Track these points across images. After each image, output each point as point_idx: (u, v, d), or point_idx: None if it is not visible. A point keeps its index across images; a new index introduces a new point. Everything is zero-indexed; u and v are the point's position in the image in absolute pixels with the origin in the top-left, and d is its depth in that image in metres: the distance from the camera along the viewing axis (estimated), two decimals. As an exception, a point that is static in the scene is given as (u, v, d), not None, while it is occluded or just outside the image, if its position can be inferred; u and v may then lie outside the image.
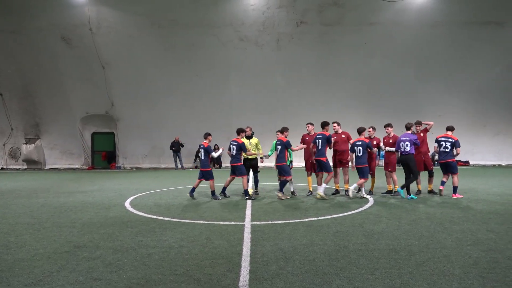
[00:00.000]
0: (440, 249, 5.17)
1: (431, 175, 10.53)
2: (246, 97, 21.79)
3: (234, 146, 9.99)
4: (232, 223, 6.97)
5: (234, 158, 10.03)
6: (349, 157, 10.23)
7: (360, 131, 10.11)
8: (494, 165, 22.16)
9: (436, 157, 21.40)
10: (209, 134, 10.43)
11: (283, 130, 10.16)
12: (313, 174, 10.58)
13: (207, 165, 10.17)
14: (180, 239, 5.83)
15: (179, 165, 22.17)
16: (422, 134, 10.46)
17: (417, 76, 21.59)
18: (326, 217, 7.40)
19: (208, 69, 21.30)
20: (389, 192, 10.37)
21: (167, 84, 21.63)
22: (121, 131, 22.67)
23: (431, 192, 10.43)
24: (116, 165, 22.75)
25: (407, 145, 9.66)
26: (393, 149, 10.22)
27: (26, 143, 22.60)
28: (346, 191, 10.31)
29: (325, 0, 19.81)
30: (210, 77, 21.46)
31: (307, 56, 21.14)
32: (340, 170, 10.70)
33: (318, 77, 21.51)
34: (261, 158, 10.68)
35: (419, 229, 6.33)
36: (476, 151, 22.53)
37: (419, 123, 10.66)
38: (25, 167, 22.85)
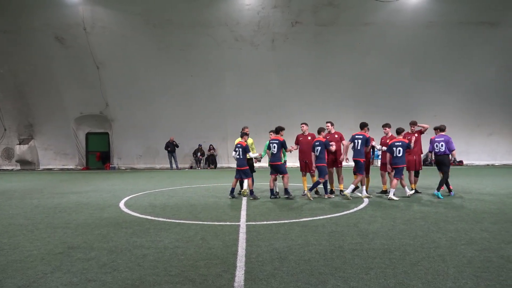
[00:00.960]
0: (435, 249, 5.20)
1: (416, 175, 10.64)
2: (241, 97, 21.79)
3: (275, 145, 9.90)
4: (228, 223, 6.96)
5: (275, 157, 9.93)
6: (388, 156, 10.13)
7: (400, 131, 10.01)
8: (488, 165, 22.33)
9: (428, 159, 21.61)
10: (245, 134, 10.36)
11: (320, 131, 10.08)
12: (308, 174, 10.58)
13: (244, 164, 10.06)
14: (175, 239, 5.82)
15: (174, 166, 22.11)
16: (416, 135, 10.56)
17: (412, 76, 21.70)
18: (321, 217, 7.42)
19: (203, 69, 21.26)
20: (384, 192, 10.41)
21: (162, 84, 21.57)
22: (116, 132, 22.57)
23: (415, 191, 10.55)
24: (110, 165, 22.65)
25: (442, 145, 9.93)
26: None
27: (19, 144, 22.44)
28: (341, 191, 10.36)
29: (320, 0, 19.85)
30: (205, 77, 21.43)
31: (302, 56, 21.17)
32: (334, 170, 10.72)
33: (313, 77, 21.56)
34: (255, 158, 10.72)
35: (413, 228, 6.36)
36: (470, 151, 22.69)
37: (414, 123, 10.77)
38: (19, 167, 22.69)
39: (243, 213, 7.94)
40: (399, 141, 9.82)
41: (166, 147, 21.95)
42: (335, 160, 10.41)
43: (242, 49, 20.98)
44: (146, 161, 22.90)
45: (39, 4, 19.77)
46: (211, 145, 22.56)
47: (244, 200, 9.60)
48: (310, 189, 9.84)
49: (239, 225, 6.75)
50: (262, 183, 12.82)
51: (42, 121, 22.54)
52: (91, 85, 21.42)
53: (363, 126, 10.15)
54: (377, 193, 10.53)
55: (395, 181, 9.67)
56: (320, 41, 20.77)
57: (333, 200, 9.61)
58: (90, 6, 19.95)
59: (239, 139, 10.68)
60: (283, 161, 10.09)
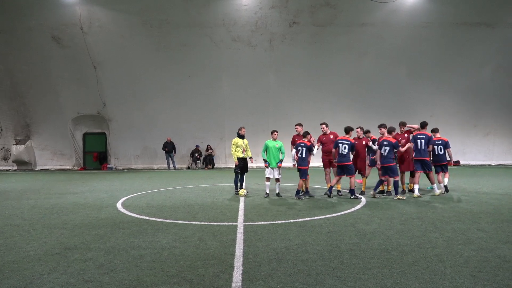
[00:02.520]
0: (432, 249, 5.21)
1: (412, 175, 10.65)
2: (239, 97, 21.80)
3: (346, 145, 9.79)
4: (225, 223, 6.96)
5: (344, 158, 9.82)
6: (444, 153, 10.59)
7: (436, 130, 10.69)
8: (484, 165, 22.41)
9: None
10: (308, 133, 10.22)
11: (390, 130, 10.05)
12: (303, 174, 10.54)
13: (306, 164, 9.93)
14: (173, 240, 5.81)
15: (171, 166, 22.07)
16: (406, 135, 10.60)
17: (408, 76, 21.77)
18: (318, 217, 7.42)
19: (200, 69, 21.25)
20: (381, 192, 10.43)
21: (159, 84, 21.54)
22: (113, 132, 22.51)
23: (411, 191, 10.62)
24: (108, 166, 22.58)
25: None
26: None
27: (16, 144, 22.34)
28: (339, 191, 10.39)
29: (317, 1, 19.89)
30: (203, 77, 21.42)
31: (300, 56, 21.20)
32: (330, 169, 10.72)
33: (310, 77, 21.59)
34: (250, 158, 10.90)
35: (410, 228, 6.38)
36: (467, 151, 22.79)
37: (403, 124, 10.80)
38: (15, 168, 22.59)
39: (241, 213, 7.94)
40: (439, 140, 10.37)
41: (164, 148, 21.91)
42: (330, 160, 10.39)
43: (239, 49, 20.99)
44: (143, 162, 22.85)
45: (35, 4, 19.71)
46: (208, 145, 22.54)
47: (242, 201, 9.59)
48: (375, 189, 9.86)
49: (236, 226, 6.74)
50: (258, 183, 12.83)
51: (39, 121, 22.45)
52: (88, 85, 21.36)
53: (424, 125, 10.33)
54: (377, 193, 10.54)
55: (446, 174, 10.36)
56: (318, 42, 20.82)
57: (330, 200, 9.62)
58: (87, 5, 19.90)
59: (238, 140, 10.67)
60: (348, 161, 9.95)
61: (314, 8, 20.07)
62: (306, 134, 10.15)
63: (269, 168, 10.27)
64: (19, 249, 5.41)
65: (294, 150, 10.05)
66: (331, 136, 10.51)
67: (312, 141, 10.43)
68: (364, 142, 10.54)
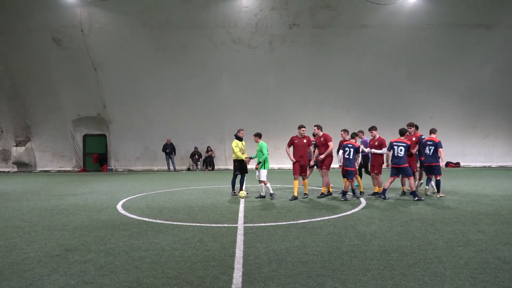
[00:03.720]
0: (432, 250, 5.21)
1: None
2: (239, 98, 21.81)
3: (401, 147, 9.79)
4: (225, 225, 6.96)
5: (401, 159, 9.79)
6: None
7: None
8: (484, 167, 22.41)
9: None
10: (357, 135, 10.25)
11: (433, 131, 10.22)
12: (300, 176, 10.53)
13: (353, 165, 9.93)
14: (173, 241, 5.81)
15: (171, 167, 22.07)
16: (414, 139, 10.59)
17: (408, 78, 21.79)
18: (318, 218, 7.43)
19: (200, 71, 21.26)
20: (375, 194, 10.43)
21: (160, 85, 21.55)
22: (113, 133, 22.52)
23: (412, 193, 10.59)
24: (108, 167, 22.58)
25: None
26: (380, 151, 10.34)
27: (16, 146, 22.34)
28: (325, 192, 10.40)
29: (317, 3, 19.91)
30: (203, 79, 21.43)
31: (299, 58, 21.22)
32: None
33: (310, 79, 21.60)
34: (246, 158, 10.86)
35: (411, 230, 6.38)
36: (466, 153, 22.79)
37: (411, 125, 10.77)
38: (16, 169, 22.59)
39: (241, 215, 7.94)
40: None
41: (164, 149, 21.90)
42: (323, 161, 10.35)
43: (239, 51, 21.01)
44: (143, 163, 22.85)
45: (35, 5, 19.72)
46: (209, 146, 22.54)
47: (242, 202, 9.59)
48: (438, 191, 10.14)
49: (236, 227, 6.75)
50: (258, 185, 12.80)
51: (39, 123, 22.45)
52: (89, 86, 21.36)
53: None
54: (369, 194, 10.55)
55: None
56: (317, 43, 20.84)
57: (330, 201, 9.62)
58: (87, 7, 19.91)
59: (238, 142, 10.66)
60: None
61: (314, 10, 20.10)
62: (354, 135, 10.20)
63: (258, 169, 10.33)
64: (19, 251, 5.41)
65: (341, 151, 10.07)
66: (322, 139, 10.41)
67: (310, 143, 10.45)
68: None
